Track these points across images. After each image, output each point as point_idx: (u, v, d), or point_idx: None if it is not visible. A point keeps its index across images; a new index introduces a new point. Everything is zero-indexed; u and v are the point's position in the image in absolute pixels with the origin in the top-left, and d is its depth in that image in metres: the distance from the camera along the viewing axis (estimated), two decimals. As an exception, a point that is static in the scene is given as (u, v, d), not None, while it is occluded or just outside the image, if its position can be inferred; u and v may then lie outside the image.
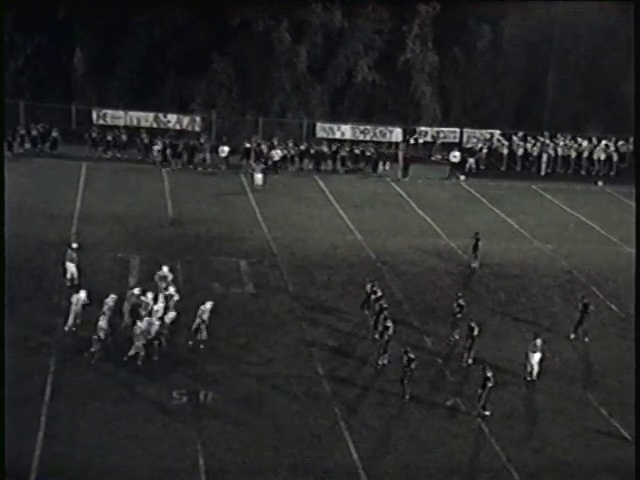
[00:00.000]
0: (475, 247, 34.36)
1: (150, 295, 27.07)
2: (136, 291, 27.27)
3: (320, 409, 23.64)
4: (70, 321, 26.65)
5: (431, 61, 53.88)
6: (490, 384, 23.44)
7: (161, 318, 25.91)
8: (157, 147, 46.50)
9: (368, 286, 29.26)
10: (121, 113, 50.80)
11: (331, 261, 34.46)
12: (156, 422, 22.33)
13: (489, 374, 23.50)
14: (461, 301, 28.02)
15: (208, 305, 26.46)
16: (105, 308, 25.83)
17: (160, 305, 26.49)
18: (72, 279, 29.69)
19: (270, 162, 46.72)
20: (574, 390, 25.85)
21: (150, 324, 25.36)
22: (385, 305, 27.70)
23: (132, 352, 25.02)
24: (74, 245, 30.36)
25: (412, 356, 24.40)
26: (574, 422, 24.05)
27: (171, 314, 26.27)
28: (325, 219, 40.01)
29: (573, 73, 55.05)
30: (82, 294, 26.98)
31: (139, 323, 25.29)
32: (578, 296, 30.64)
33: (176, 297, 27.38)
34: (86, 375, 24.24)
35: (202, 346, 26.29)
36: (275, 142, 48.02)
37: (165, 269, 28.87)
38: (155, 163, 46.19)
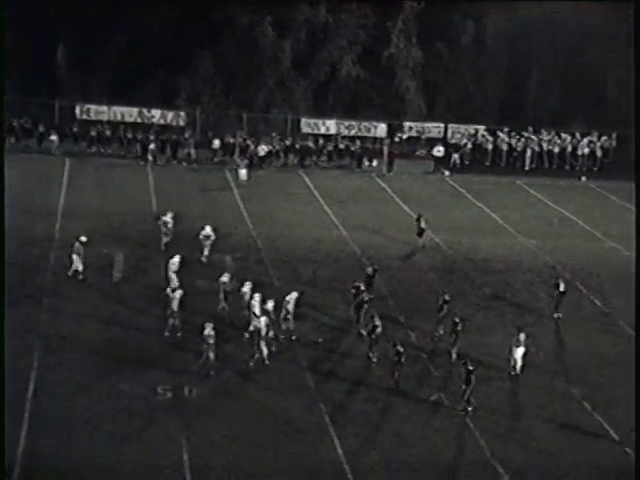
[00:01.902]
0: (419, 227, 35.59)
1: (248, 285, 27.46)
2: (225, 279, 28.02)
3: (305, 404, 23.66)
4: (172, 283, 28.63)
5: (415, 56, 53.94)
6: (473, 379, 23.48)
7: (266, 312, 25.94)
8: (152, 146, 46.34)
9: (369, 269, 30.09)
10: (105, 108, 50.65)
11: (316, 256, 34.47)
12: (140, 418, 22.27)
13: (471, 367, 23.56)
14: (446, 296, 28.10)
15: (293, 295, 26.78)
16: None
17: (270, 304, 26.29)
18: (76, 272, 29.87)
19: (255, 158, 46.68)
20: (558, 384, 25.97)
21: (268, 324, 25.35)
22: (366, 299, 27.83)
23: (257, 355, 25.12)
24: (82, 238, 30.37)
25: (401, 349, 24.45)
26: (558, 416, 24.16)
27: (270, 303, 26.23)
28: (310, 214, 40.01)
29: (556, 69, 55.24)
30: (176, 258, 29.03)
31: (255, 323, 25.29)
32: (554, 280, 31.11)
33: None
34: (70, 372, 24.16)
35: (294, 337, 26.65)
36: (273, 135, 48.24)
37: (208, 228, 32.39)
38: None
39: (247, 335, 25.96)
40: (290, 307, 26.68)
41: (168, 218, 33.70)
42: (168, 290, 27.46)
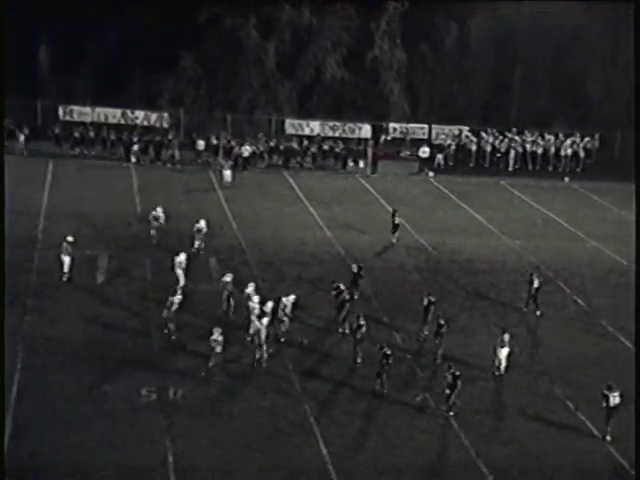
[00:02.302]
0: (393, 224, 36.28)
1: (252, 286, 27.38)
2: (227, 279, 27.98)
3: (290, 405, 23.66)
4: (181, 282, 29.10)
5: (399, 58, 54.09)
6: (459, 383, 23.49)
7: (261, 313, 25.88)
8: (135, 147, 46.18)
9: (354, 266, 30.31)
10: (88, 109, 50.48)
11: (301, 257, 34.48)
12: (125, 420, 22.21)
13: (457, 373, 23.57)
14: (431, 297, 28.14)
15: (291, 298, 26.76)
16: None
17: (270, 305, 26.29)
18: (65, 272, 29.83)
19: (240, 159, 46.65)
20: (541, 384, 26.08)
21: (268, 326, 25.36)
22: (347, 298, 27.88)
23: (266, 356, 25.19)
24: (69, 238, 30.28)
25: (389, 352, 24.42)
26: (541, 416, 24.25)
27: (269, 304, 26.23)
28: (294, 215, 40.02)
29: (539, 71, 55.54)
30: (182, 256, 29.24)
31: (257, 323, 25.28)
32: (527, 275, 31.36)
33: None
34: (54, 374, 24.07)
35: (283, 339, 26.61)
36: (258, 137, 48.13)
37: (202, 222, 33.54)
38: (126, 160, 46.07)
39: (249, 339, 25.92)
40: (288, 310, 26.71)
41: (159, 213, 34.06)
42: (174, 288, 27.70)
